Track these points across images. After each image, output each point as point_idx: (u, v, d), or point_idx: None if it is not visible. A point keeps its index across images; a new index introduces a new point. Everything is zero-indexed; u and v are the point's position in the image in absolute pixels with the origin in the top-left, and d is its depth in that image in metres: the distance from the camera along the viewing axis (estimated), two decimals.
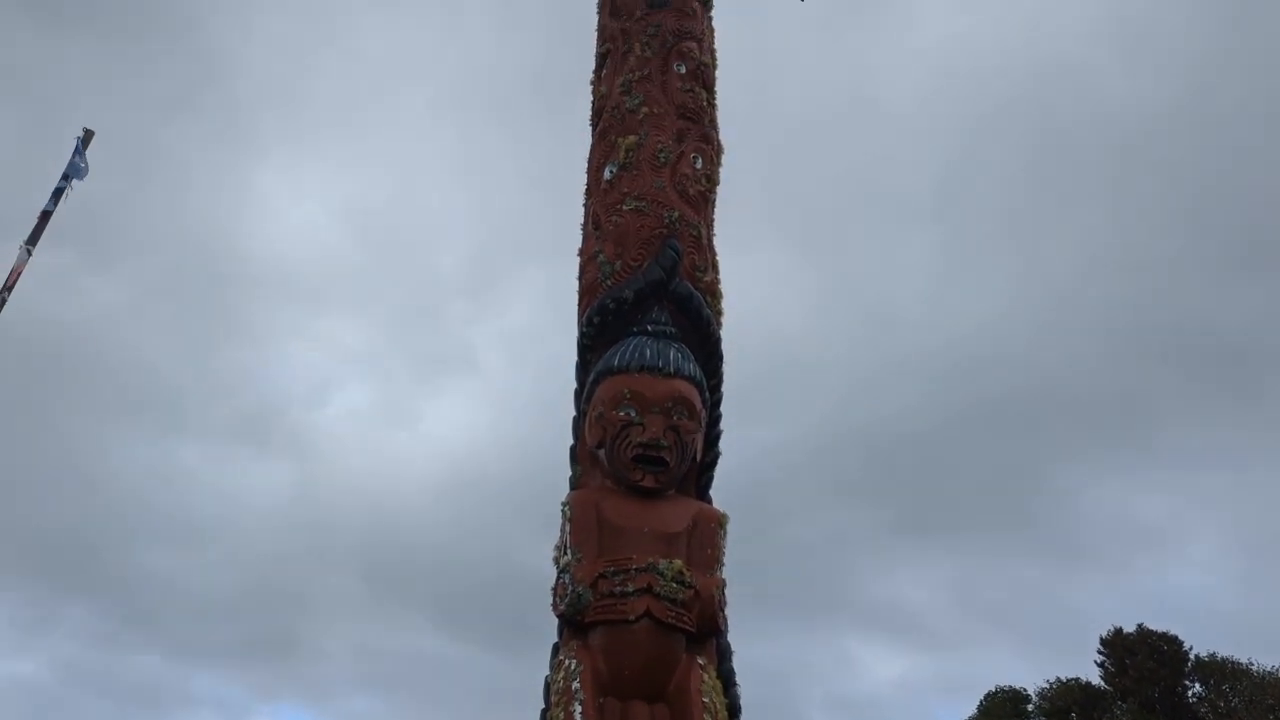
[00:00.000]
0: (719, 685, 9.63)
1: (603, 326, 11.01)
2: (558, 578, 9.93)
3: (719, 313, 11.49)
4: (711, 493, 11.07)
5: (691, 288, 11.15)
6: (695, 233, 11.52)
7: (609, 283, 11.14)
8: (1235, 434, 70.74)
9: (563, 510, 10.34)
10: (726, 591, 10.02)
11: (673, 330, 10.95)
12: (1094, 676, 44.79)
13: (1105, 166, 76.42)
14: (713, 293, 11.48)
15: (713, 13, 13.63)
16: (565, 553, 9.96)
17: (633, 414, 10.27)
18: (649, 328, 10.89)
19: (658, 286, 11.00)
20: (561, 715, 9.11)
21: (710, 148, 12.34)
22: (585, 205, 12.37)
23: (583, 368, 11.19)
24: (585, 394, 10.95)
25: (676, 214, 11.45)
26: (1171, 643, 43.77)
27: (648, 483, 10.17)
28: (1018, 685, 46.96)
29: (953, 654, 70.36)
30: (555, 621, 10.00)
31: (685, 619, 9.47)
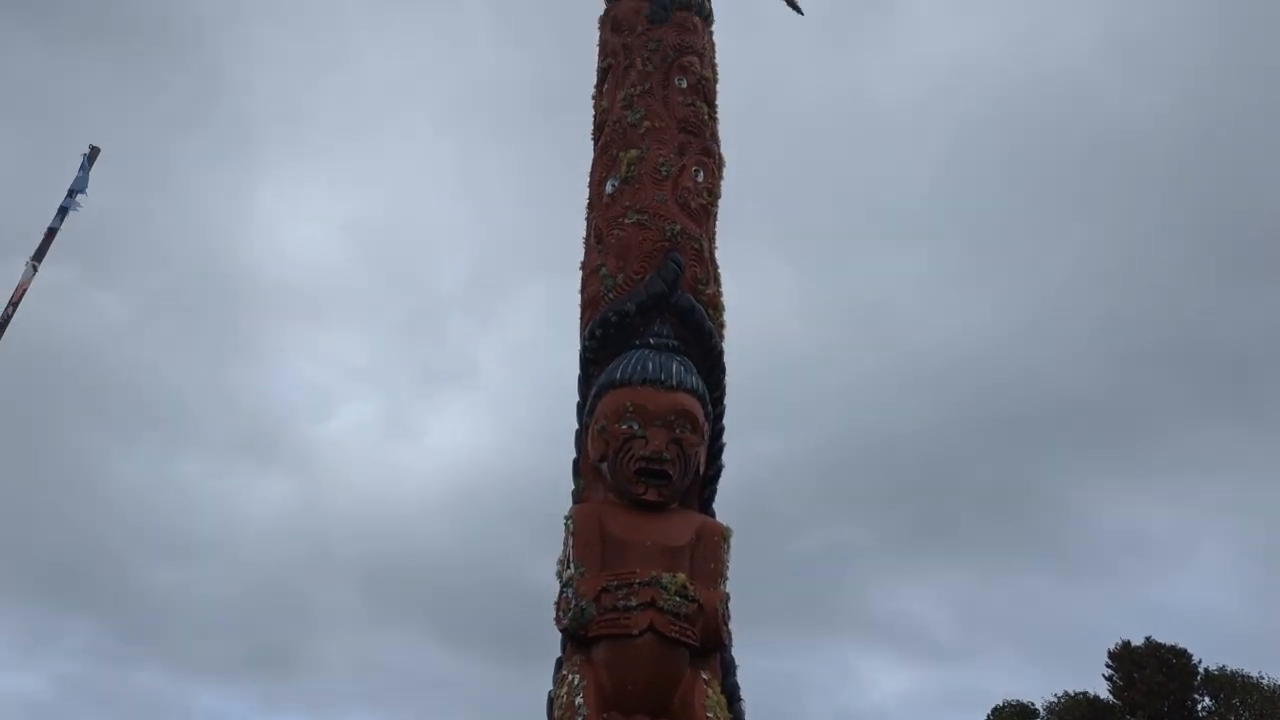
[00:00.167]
0: (723, 700, 9.60)
1: (605, 340, 11.03)
2: (561, 592, 9.91)
3: (721, 325, 11.51)
4: (714, 506, 11.05)
5: (693, 300, 11.17)
6: (697, 246, 11.55)
7: (611, 296, 11.17)
8: (1241, 444, 70.48)
9: (565, 524, 10.33)
10: (730, 605, 10.00)
11: (675, 343, 10.96)
12: (1102, 690, 44.49)
13: (1106, 177, 76.51)
14: (715, 305, 11.50)
15: (713, 27, 13.72)
16: (568, 567, 9.94)
17: (635, 427, 10.26)
18: (651, 341, 10.91)
19: (660, 299, 11.03)
20: None
21: (712, 161, 12.39)
22: (587, 219, 12.42)
23: (585, 381, 11.20)
24: (588, 407, 10.95)
25: (678, 227, 11.49)
26: (1180, 656, 43.47)
27: (651, 496, 10.16)
28: (1025, 699, 46.67)
29: (959, 668, 69.91)
30: (558, 636, 9.97)
31: (689, 633, 9.44)
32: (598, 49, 13.73)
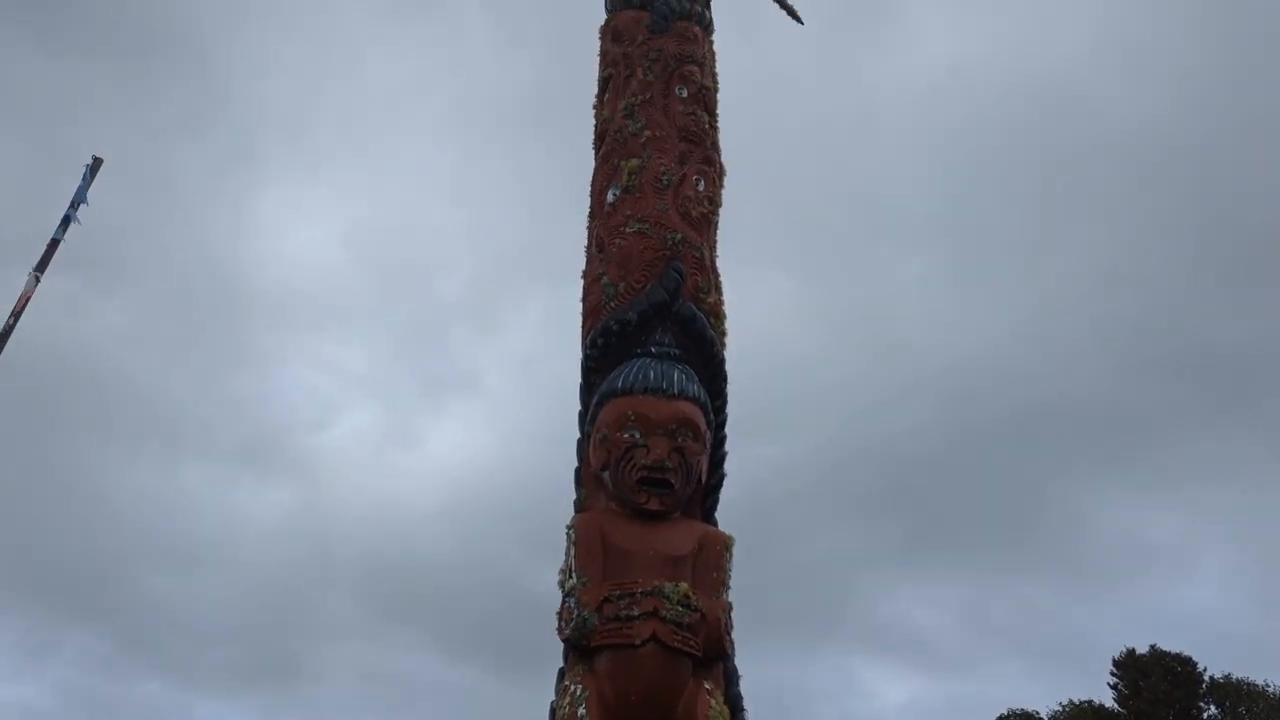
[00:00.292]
0: (726, 711, 9.55)
1: (606, 348, 11.03)
2: (563, 601, 9.87)
3: (722, 334, 11.50)
4: (717, 514, 11.02)
5: (695, 309, 11.17)
6: (698, 254, 11.56)
7: (613, 305, 11.17)
8: (1245, 451, 70.24)
9: (567, 533, 10.30)
10: (733, 615, 9.96)
11: (676, 352, 10.95)
12: (1107, 699, 44.34)
13: (1110, 184, 76.49)
14: (716, 314, 11.51)
15: (714, 37, 13.76)
16: (570, 576, 9.91)
17: (637, 436, 10.25)
18: (653, 349, 10.90)
19: (661, 308, 11.03)
20: None
21: (712, 170, 12.42)
22: (589, 228, 12.43)
23: (587, 390, 11.19)
24: (589, 416, 10.94)
25: (679, 236, 11.51)
26: (1185, 664, 43.32)
27: (653, 505, 10.13)
28: (1030, 708, 46.55)
29: (963, 676, 69.62)
30: (560, 646, 9.93)
31: (692, 643, 9.40)
32: (598, 59, 13.77)
